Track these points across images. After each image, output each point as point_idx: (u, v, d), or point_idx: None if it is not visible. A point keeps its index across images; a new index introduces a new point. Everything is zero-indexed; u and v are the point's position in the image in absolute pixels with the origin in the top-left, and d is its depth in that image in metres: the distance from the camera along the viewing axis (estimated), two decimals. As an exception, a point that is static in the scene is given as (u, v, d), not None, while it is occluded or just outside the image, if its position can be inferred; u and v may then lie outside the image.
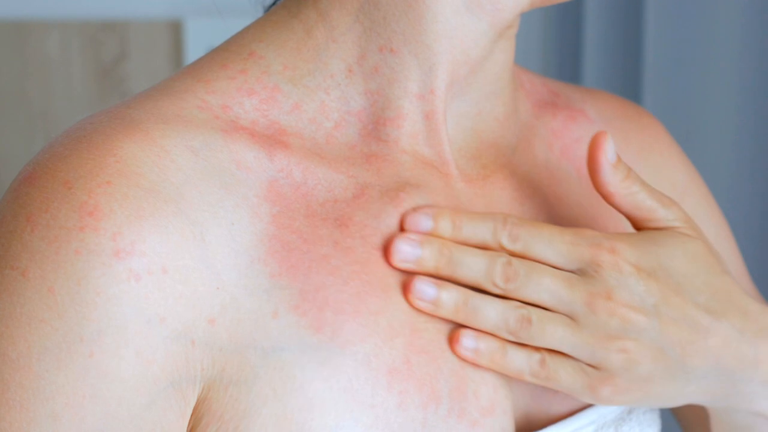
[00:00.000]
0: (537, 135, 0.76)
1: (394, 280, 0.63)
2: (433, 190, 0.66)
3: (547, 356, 0.64)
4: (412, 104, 0.66)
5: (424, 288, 0.62)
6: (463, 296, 0.63)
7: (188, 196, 0.58)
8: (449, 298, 0.62)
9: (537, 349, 0.64)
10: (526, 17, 1.59)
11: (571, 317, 0.64)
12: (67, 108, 1.71)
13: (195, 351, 0.57)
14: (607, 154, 0.66)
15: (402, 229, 0.63)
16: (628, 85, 1.49)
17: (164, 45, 1.73)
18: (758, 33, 1.35)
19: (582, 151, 0.77)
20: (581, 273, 0.64)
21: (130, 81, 1.72)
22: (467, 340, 0.63)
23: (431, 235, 0.63)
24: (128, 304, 0.55)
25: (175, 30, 1.72)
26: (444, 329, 0.64)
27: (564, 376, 0.64)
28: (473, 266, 0.63)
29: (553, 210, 0.73)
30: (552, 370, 0.64)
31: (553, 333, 0.63)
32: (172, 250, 0.57)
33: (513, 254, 0.64)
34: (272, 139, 0.63)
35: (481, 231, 0.64)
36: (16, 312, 0.55)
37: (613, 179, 0.66)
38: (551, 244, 0.64)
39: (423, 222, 0.63)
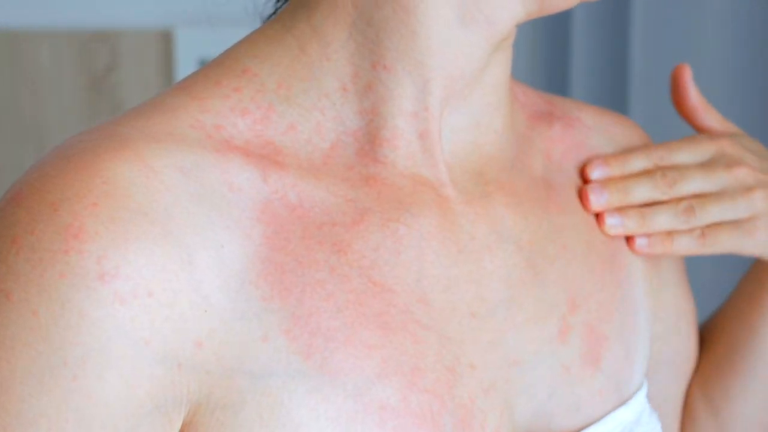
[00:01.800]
0: (533, 146, 0.75)
1: (391, 318, 0.62)
2: (432, 216, 0.65)
3: (705, 229, 0.79)
4: (406, 123, 0.65)
5: (611, 222, 0.77)
6: (640, 216, 0.77)
7: (177, 218, 0.57)
8: (632, 221, 0.77)
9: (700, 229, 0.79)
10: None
11: (719, 193, 0.79)
12: (59, 117, 1.71)
13: (181, 374, 0.57)
14: (690, 78, 0.85)
15: (584, 179, 0.78)
16: (615, 98, 1.50)
17: (155, 54, 1.73)
18: (743, 48, 1.36)
19: (583, 155, 0.78)
20: (712, 160, 0.81)
21: (120, 90, 1.73)
22: (640, 239, 0.78)
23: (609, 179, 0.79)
24: (113, 328, 0.55)
25: (166, 40, 1.72)
26: (453, 368, 0.63)
27: (725, 237, 0.79)
28: (644, 189, 0.78)
29: (554, 220, 0.73)
30: (713, 238, 0.79)
31: (712, 209, 0.78)
32: (158, 273, 0.56)
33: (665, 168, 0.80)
34: (267, 159, 0.62)
35: (638, 163, 0.80)
36: (0, 335, 0.55)
37: (696, 98, 0.85)
38: (686, 152, 0.81)
39: (598, 172, 0.78)
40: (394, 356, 0.61)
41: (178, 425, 0.58)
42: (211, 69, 0.65)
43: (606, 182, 0.78)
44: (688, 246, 0.79)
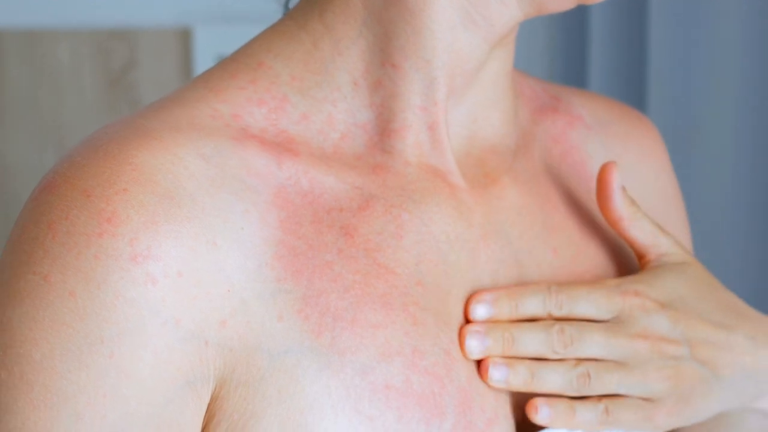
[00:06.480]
0: (536, 140, 0.77)
1: (393, 299, 0.64)
2: (435, 204, 0.68)
3: (609, 404, 0.70)
4: (415, 116, 0.68)
5: (494, 373, 0.67)
6: (529, 371, 0.68)
7: (200, 202, 0.60)
8: (517, 377, 0.68)
9: (599, 398, 0.70)
10: (531, 24, 1.60)
11: (619, 362, 0.70)
12: (78, 115, 1.73)
13: (208, 351, 0.59)
14: (617, 182, 0.73)
15: (466, 316, 0.68)
16: (632, 89, 1.51)
17: (173, 53, 1.75)
18: (762, 36, 1.37)
19: (579, 157, 0.79)
20: (616, 320, 0.71)
21: (139, 88, 1.74)
22: (543, 408, 0.68)
23: (492, 320, 0.69)
24: (146, 307, 0.57)
25: (184, 38, 1.74)
26: (450, 351, 0.66)
27: (626, 415, 0.70)
28: (534, 342, 0.69)
29: (547, 220, 0.75)
30: (615, 415, 0.70)
31: (610, 380, 0.70)
32: (185, 254, 0.58)
33: (559, 318, 0.70)
34: (281, 147, 0.65)
35: (532, 306, 0.70)
36: (39, 315, 0.57)
37: (621, 206, 0.73)
38: (589, 302, 0.71)
39: (482, 311, 0.68)
40: (396, 336, 0.63)
41: (207, 400, 0.60)
42: (227, 64, 0.68)
43: (492, 325, 0.68)
44: (590, 422, 0.69)
